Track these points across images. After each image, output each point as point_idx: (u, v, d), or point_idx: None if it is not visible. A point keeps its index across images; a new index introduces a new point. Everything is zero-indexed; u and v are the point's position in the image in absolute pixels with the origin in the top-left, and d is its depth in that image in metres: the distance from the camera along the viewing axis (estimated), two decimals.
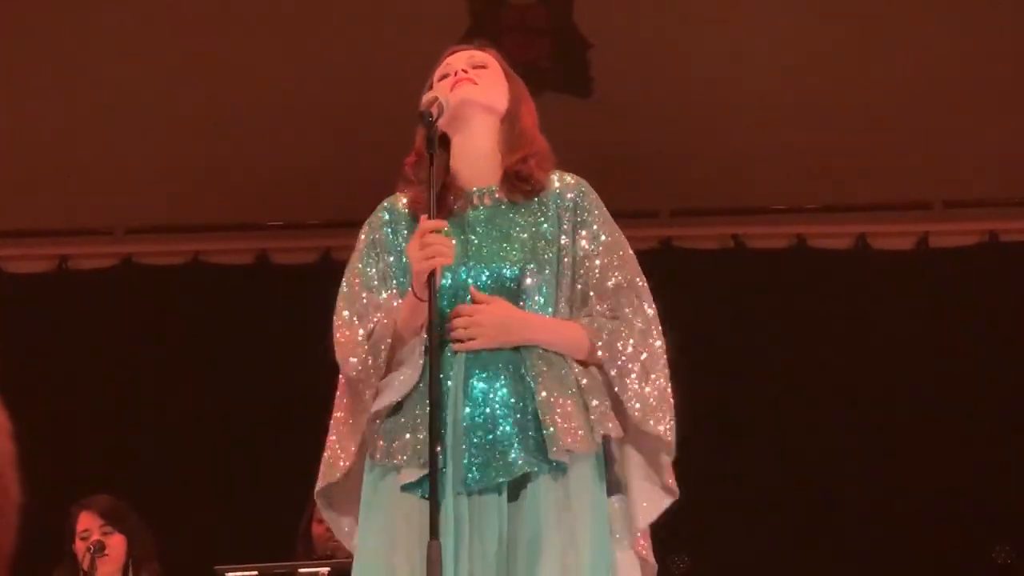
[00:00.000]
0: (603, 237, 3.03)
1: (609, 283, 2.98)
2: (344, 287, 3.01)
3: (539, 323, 2.91)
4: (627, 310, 2.98)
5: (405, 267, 2.94)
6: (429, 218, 2.83)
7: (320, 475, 3.01)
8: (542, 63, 6.97)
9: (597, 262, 2.99)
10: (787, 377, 6.71)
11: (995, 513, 6.56)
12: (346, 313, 2.96)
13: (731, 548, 6.57)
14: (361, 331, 2.90)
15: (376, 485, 2.89)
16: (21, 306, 6.94)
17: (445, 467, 2.77)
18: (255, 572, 4.88)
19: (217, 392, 6.79)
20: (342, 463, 2.95)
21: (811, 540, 6.57)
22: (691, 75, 6.79)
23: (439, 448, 2.75)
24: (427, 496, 2.75)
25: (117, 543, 5.12)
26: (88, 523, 5.13)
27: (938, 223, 6.98)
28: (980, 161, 6.80)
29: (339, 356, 2.95)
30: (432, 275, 2.77)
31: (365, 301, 2.95)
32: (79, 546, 5.09)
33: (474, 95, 2.99)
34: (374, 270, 3.00)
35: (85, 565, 5.01)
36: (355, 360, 2.90)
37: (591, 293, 2.98)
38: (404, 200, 3.06)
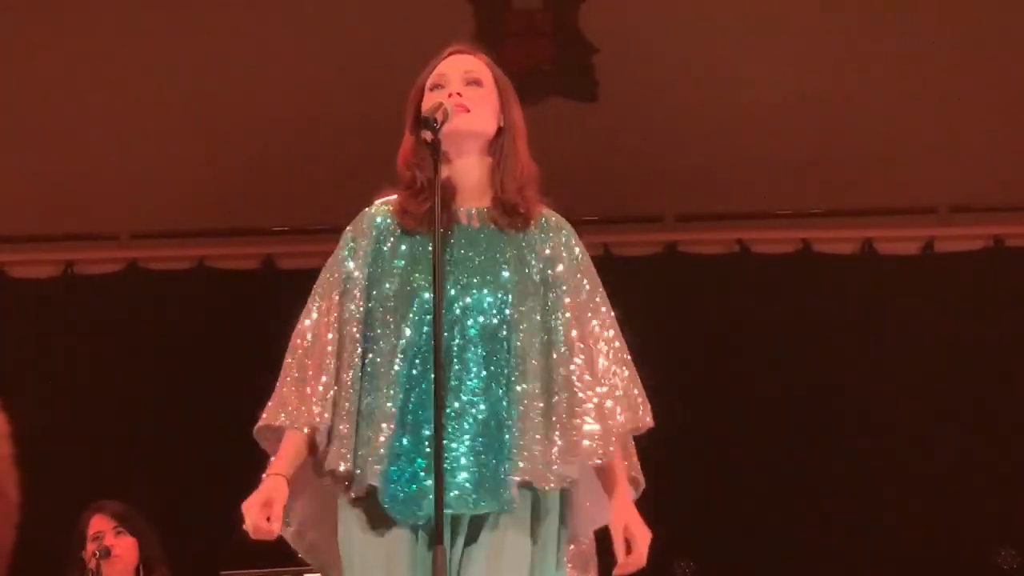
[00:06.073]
0: (584, 289, 3.03)
1: (588, 334, 3.00)
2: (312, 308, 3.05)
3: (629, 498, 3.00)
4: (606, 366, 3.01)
5: (373, 280, 2.98)
6: (436, 224, 2.80)
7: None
8: (547, 68, 6.98)
9: (569, 315, 2.97)
10: (793, 382, 6.71)
11: (1000, 517, 6.55)
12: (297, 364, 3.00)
13: (736, 553, 6.57)
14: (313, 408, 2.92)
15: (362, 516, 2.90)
16: (27, 311, 6.95)
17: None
18: None
19: (223, 396, 6.79)
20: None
21: (815, 544, 6.56)
22: (697, 80, 6.79)
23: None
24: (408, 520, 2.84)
25: (128, 545, 5.14)
26: (101, 525, 5.16)
27: (944, 228, 6.98)
28: (986, 166, 6.79)
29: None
30: None
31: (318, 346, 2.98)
32: (89, 549, 5.11)
33: (469, 125, 2.95)
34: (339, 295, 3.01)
35: (92, 567, 5.03)
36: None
37: (569, 346, 2.96)
38: (390, 206, 3.04)
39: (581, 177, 6.36)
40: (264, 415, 2.98)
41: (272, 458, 2.98)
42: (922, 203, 6.96)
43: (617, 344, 3.02)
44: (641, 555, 2.89)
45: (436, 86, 3.01)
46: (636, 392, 3.00)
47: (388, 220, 3.02)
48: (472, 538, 2.86)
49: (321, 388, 2.91)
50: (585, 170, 6.55)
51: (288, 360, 3.03)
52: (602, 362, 2.99)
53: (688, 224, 7.09)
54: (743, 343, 6.81)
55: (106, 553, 5.04)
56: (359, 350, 2.94)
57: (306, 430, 2.91)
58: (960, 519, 6.54)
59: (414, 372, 2.88)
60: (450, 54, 3.07)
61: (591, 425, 2.89)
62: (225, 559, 5.67)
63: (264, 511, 2.87)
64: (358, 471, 2.87)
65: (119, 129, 6.85)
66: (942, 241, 6.97)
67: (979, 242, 6.97)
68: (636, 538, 2.89)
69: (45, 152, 6.88)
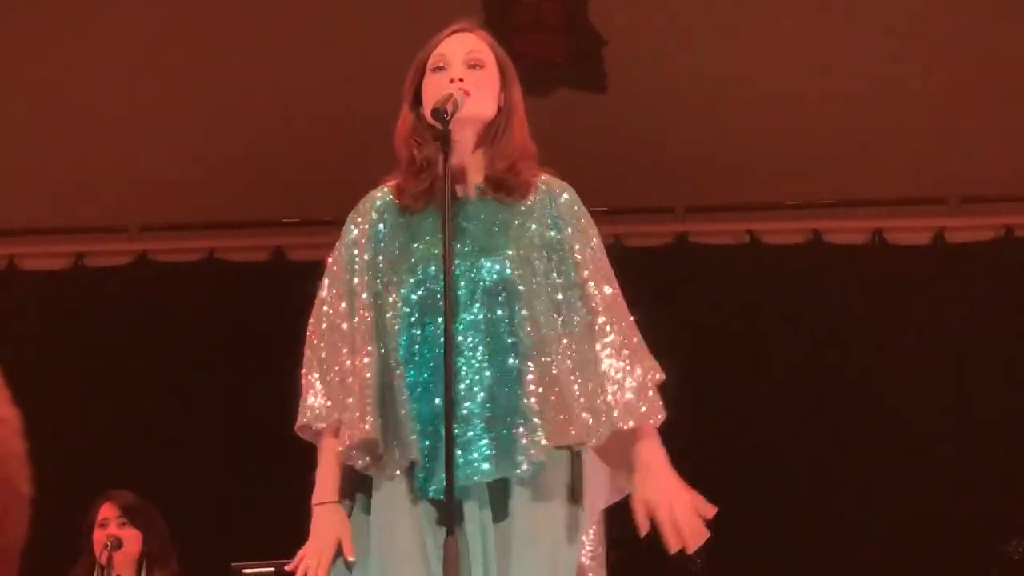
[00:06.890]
0: (592, 244, 3.04)
1: (603, 293, 3.00)
2: (321, 317, 3.09)
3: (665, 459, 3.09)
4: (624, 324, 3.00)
5: (390, 262, 2.98)
6: (446, 209, 2.81)
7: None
8: (557, 59, 6.98)
9: (586, 273, 2.99)
10: (802, 372, 6.71)
11: (1012, 506, 6.55)
12: (315, 368, 3.12)
13: (744, 548, 6.57)
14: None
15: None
16: (37, 303, 6.96)
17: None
18: (272, 569, 4.88)
19: (233, 388, 6.80)
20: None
21: (824, 534, 6.56)
22: (706, 71, 6.79)
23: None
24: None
25: (132, 538, 5.15)
26: (107, 513, 5.18)
27: (954, 218, 6.97)
28: (996, 156, 6.79)
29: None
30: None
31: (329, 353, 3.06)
32: (97, 536, 5.12)
33: (470, 111, 2.94)
34: (347, 291, 3.02)
35: (102, 560, 5.03)
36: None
37: (585, 305, 2.98)
38: (389, 188, 3.06)
39: (591, 169, 6.34)
40: (305, 416, 3.15)
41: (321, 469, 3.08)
42: (932, 193, 6.95)
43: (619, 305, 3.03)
44: (686, 530, 2.99)
45: (438, 67, 3.03)
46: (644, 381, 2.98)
47: (388, 200, 3.05)
48: (498, 509, 2.84)
49: (349, 383, 2.97)
50: (595, 162, 6.55)
51: (309, 354, 3.14)
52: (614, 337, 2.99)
53: (698, 215, 7.09)
54: (753, 334, 6.81)
55: (118, 544, 5.05)
56: (374, 331, 2.94)
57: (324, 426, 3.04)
58: (970, 508, 6.54)
59: (417, 345, 2.89)
60: (452, 32, 3.09)
61: (629, 380, 2.93)
62: (236, 551, 5.67)
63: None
64: (393, 450, 2.86)
65: (128, 122, 6.86)
66: (952, 231, 6.96)
67: (989, 232, 6.97)
68: (676, 511, 3.02)
69: (54, 145, 6.89)
